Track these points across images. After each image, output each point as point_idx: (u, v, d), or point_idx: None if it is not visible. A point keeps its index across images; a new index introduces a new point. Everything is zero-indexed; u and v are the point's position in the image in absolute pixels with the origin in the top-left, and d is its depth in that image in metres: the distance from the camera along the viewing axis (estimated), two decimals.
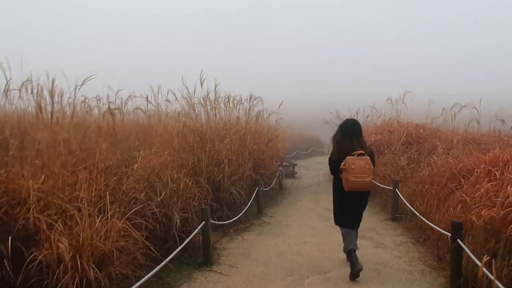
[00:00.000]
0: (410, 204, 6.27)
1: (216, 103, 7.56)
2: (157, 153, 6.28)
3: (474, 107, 7.82)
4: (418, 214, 5.71)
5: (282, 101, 10.91)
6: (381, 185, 8.26)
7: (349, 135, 4.36)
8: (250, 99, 8.77)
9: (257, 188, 7.50)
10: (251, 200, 6.99)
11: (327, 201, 8.64)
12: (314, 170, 16.69)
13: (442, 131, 9.07)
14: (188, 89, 6.82)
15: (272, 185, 9.06)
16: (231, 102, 8.39)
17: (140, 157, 5.13)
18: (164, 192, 4.73)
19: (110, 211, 3.77)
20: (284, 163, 14.37)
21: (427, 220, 5.22)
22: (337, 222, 4.62)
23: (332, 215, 4.77)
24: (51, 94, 4.35)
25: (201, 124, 7.30)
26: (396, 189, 6.94)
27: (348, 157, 4.15)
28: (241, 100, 8.59)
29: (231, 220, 5.75)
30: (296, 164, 14.97)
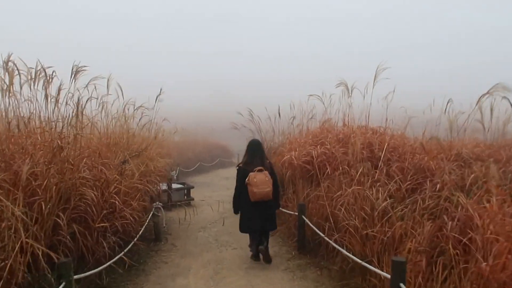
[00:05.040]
0: None
1: None
2: None
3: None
4: None
5: (161, 89, 6.43)
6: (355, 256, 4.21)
7: (252, 155, 5.17)
8: (73, 71, 4.12)
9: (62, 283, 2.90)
10: None
11: (238, 271, 4.62)
12: (220, 190, 12.38)
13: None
14: None
15: (125, 251, 4.47)
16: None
17: None
18: None
19: None
20: (174, 184, 9.86)
21: None
22: (244, 230, 5.22)
23: None
24: None
25: None
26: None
27: (250, 173, 4.92)
28: (49, 75, 3.89)
29: None
30: (192, 187, 10.50)
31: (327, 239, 4.46)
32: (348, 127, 6.62)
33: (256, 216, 5.02)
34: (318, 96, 6.51)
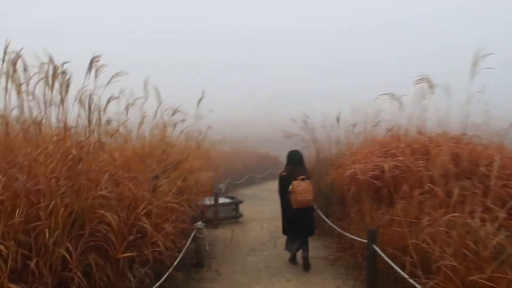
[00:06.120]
0: None
1: None
2: None
3: None
4: None
5: (204, 94, 5.66)
6: None
7: (293, 164, 5.57)
8: (91, 64, 3.41)
9: None
10: None
11: None
12: (271, 204, 11.39)
13: None
14: None
15: (156, 285, 3.66)
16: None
17: None
18: None
19: None
20: (222, 198, 9.10)
21: None
22: (286, 232, 5.62)
23: None
24: None
25: None
26: None
27: (294, 182, 5.20)
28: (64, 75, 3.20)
29: None
30: (241, 201, 9.65)
31: (415, 284, 3.35)
32: (424, 135, 5.45)
33: (298, 224, 5.38)
34: (393, 93, 5.36)
